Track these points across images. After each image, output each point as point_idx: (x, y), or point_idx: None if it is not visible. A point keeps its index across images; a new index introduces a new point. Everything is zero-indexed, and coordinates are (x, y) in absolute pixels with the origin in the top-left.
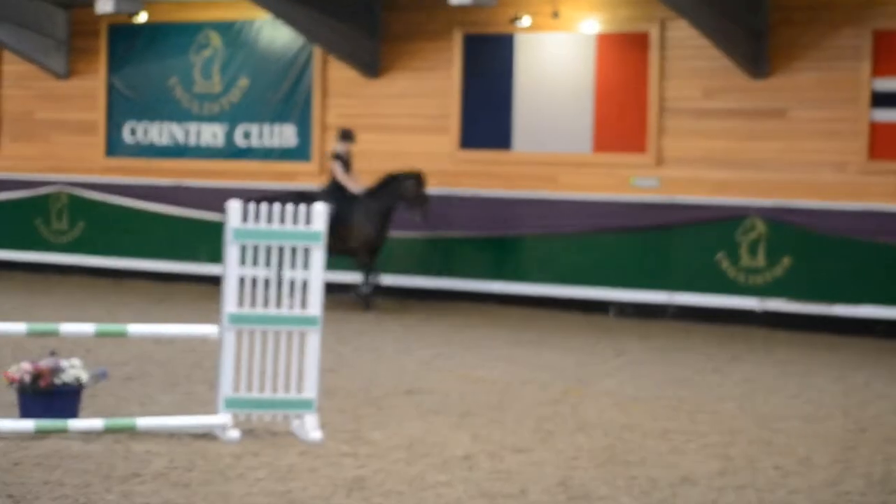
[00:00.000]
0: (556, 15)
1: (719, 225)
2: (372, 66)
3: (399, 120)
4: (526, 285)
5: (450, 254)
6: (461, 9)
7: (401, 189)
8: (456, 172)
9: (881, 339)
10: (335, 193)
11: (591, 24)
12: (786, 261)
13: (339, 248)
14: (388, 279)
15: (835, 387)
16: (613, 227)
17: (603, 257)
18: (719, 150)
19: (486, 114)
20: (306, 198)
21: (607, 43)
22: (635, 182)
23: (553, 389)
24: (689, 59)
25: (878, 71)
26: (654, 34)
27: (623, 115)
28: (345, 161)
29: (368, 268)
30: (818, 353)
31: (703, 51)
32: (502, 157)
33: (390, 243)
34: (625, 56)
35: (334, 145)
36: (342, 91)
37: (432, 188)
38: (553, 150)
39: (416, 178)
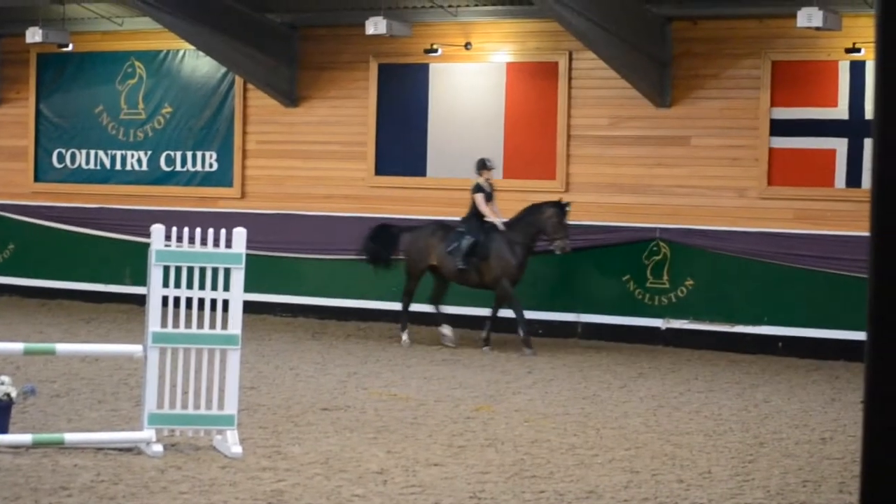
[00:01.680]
0: (468, 46)
1: (626, 248)
2: (290, 95)
3: (317, 147)
4: (441, 306)
5: (367, 276)
6: (377, 39)
7: (541, 220)
8: (371, 198)
9: (781, 357)
10: (474, 225)
11: (502, 55)
12: (689, 282)
13: (477, 282)
14: (309, 300)
15: (735, 403)
16: None
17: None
18: (625, 176)
19: (401, 141)
20: (446, 229)
21: (517, 72)
22: None
23: (465, 406)
24: (596, 88)
25: (776, 100)
26: (562, 64)
27: (532, 142)
28: (486, 192)
29: (509, 301)
30: (720, 371)
31: (609, 81)
32: (417, 183)
33: (310, 264)
34: (534, 85)
35: (476, 177)
36: (262, 119)
37: (347, 212)
38: (466, 177)
39: (558, 209)
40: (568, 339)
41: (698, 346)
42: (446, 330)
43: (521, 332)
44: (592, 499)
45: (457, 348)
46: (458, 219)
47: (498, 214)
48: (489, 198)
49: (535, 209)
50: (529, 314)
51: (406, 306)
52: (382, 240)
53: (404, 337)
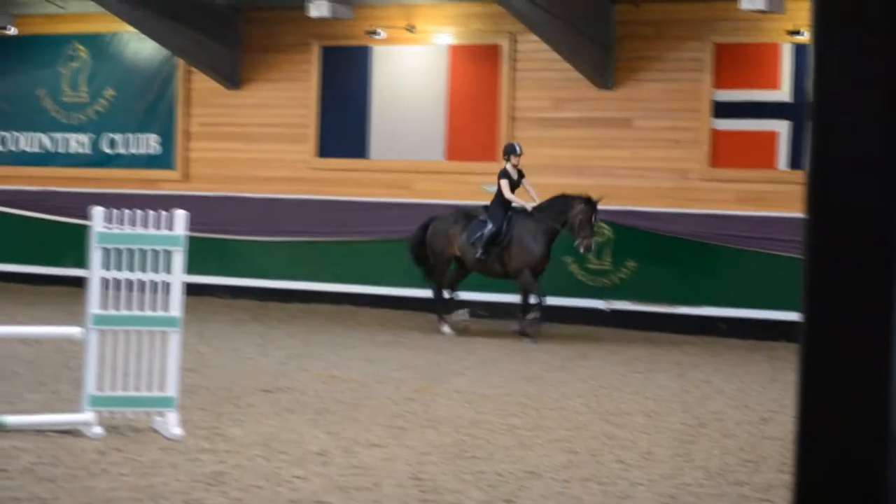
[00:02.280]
0: (411, 28)
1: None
2: (233, 78)
3: (259, 129)
4: (381, 287)
5: (308, 258)
6: (319, 22)
7: (570, 214)
8: (314, 180)
9: (722, 338)
10: (497, 212)
11: (445, 37)
12: (631, 263)
13: (499, 272)
14: (251, 282)
15: (676, 383)
16: None
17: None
18: (568, 157)
19: (344, 123)
20: (469, 217)
21: (460, 55)
22: (486, 189)
23: (406, 388)
24: (539, 70)
25: (719, 83)
26: (505, 47)
27: (475, 124)
28: (511, 178)
29: (533, 291)
30: (661, 352)
31: (552, 63)
32: (359, 165)
33: (252, 247)
34: (477, 68)
35: (504, 163)
36: (204, 101)
37: (289, 195)
38: (408, 159)
39: (587, 204)
40: (510, 320)
41: (640, 328)
42: (462, 314)
43: (529, 315)
44: (532, 479)
45: (407, 331)
46: (481, 204)
47: (534, 198)
48: (517, 184)
49: (564, 201)
50: (472, 295)
51: (439, 296)
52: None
53: (445, 328)
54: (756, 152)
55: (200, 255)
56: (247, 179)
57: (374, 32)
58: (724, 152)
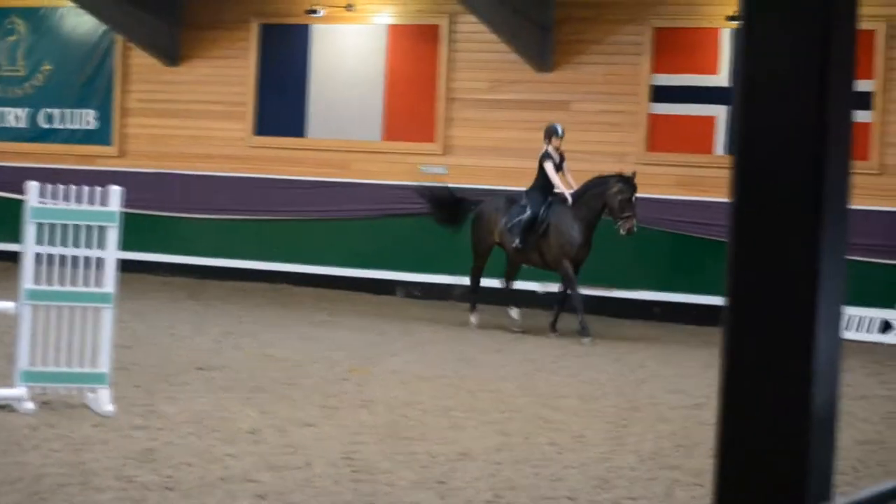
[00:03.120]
0: (350, 7)
1: None
2: (171, 54)
3: (197, 106)
4: (318, 267)
5: (245, 236)
6: None
7: (608, 195)
8: (251, 158)
9: (658, 322)
10: (537, 197)
11: (384, 17)
12: None
13: (539, 262)
14: (187, 259)
15: (612, 367)
16: (402, 212)
17: (392, 241)
18: (505, 139)
19: (282, 102)
20: (510, 202)
21: (399, 35)
22: (425, 169)
23: (341, 367)
24: (477, 52)
25: (657, 67)
26: (444, 27)
27: (413, 105)
28: (554, 161)
29: (570, 286)
30: (597, 335)
31: (490, 44)
32: (296, 144)
33: (189, 224)
34: (415, 48)
35: (544, 145)
36: (143, 77)
37: (226, 172)
38: (345, 138)
39: (626, 184)
40: (445, 301)
41: (575, 311)
42: (513, 312)
43: (577, 319)
44: (465, 461)
45: (343, 311)
46: (523, 189)
47: (571, 185)
48: (559, 168)
49: (600, 182)
50: (405, 276)
51: (474, 286)
52: (448, 206)
53: (472, 318)
54: (694, 137)
55: (137, 232)
56: (184, 157)
57: (314, 11)
58: (661, 136)
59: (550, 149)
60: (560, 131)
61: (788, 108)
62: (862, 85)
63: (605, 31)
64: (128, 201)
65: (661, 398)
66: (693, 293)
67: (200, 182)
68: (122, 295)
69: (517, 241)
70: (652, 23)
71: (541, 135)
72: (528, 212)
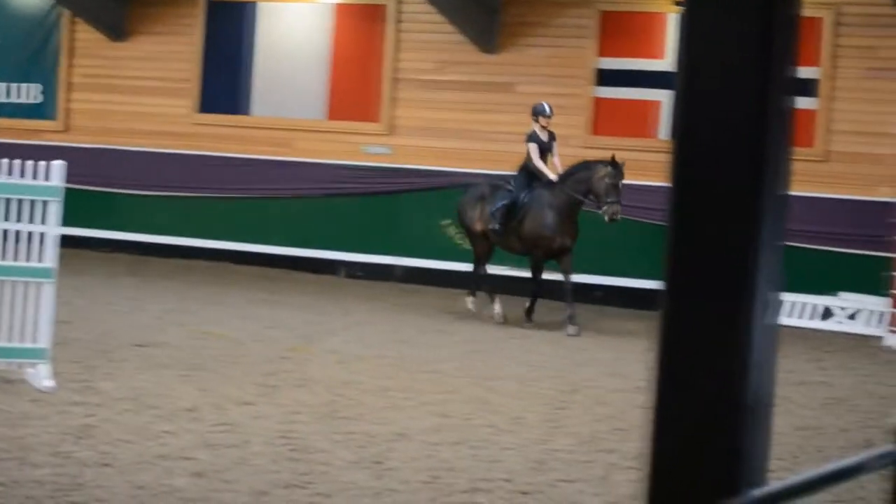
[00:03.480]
0: None
1: (447, 192)
2: (118, 29)
3: (142, 82)
4: (260, 245)
5: (188, 213)
6: None
7: (593, 180)
8: (194, 135)
9: (599, 305)
10: (521, 181)
11: None
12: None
13: (519, 248)
14: (129, 235)
15: (550, 349)
16: (345, 192)
17: (334, 220)
18: (449, 120)
19: (226, 79)
20: (496, 187)
21: (345, 14)
22: (367, 149)
23: (280, 346)
24: (423, 32)
25: (603, 50)
26: (390, 7)
27: (357, 84)
28: (541, 142)
29: (535, 270)
30: (536, 318)
31: (436, 25)
32: (240, 122)
33: (132, 200)
34: (361, 27)
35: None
36: (88, 52)
37: (170, 149)
38: (289, 116)
39: (613, 168)
40: (386, 281)
41: (517, 293)
42: (496, 306)
43: (527, 304)
44: (402, 441)
45: (284, 290)
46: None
47: (557, 168)
48: (548, 148)
49: (585, 167)
50: (347, 256)
51: (476, 270)
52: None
53: (469, 302)
54: (638, 121)
55: (79, 208)
56: (128, 132)
57: None
58: (605, 120)
59: (537, 128)
60: (547, 110)
61: (729, 95)
62: (806, 72)
63: (551, 13)
64: (71, 176)
65: (600, 381)
66: (634, 277)
67: (144, 158)
68: (62, 270)
69: (496, 225)
70: (598, 6)
71: (486, 116)
72: (510, 196)
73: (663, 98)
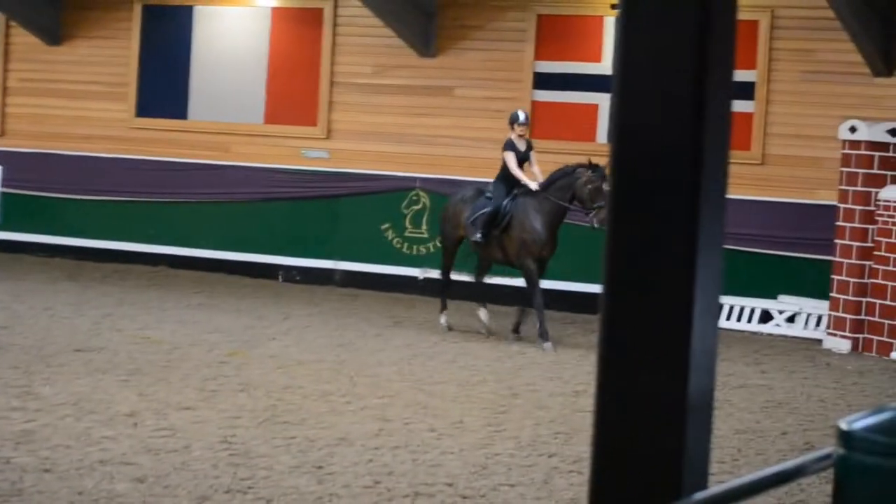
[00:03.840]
0: None
1: (386, 196)
2: (53, 33)
3: (78, 86)
4: (198, 250)
5: (126, 218)
6: None
7: (577, 185)
8: (132, 139)
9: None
10: (501, 189)
11: None
12: None
13: (501, 258)
14: (66, 240)
15: (491, 353)
16: (283, 196)
17: (273, 224)
18: (388, 124)
19: (164, 83)
20: (478, 193)
21: (282, 18)
22: (305, 153)
23: (220, 351)
24: (361, 36)
25: (541, 54)
26: (327, 11)
27: (296, 88)
28: (518, 150)
29: (533, 286)
30: (475, 322)
31: (374, 29)
32: (178, 126)
33: (69, 205)
34: (299, 31)
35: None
36: (24, 56)
37: (108, 153)
38: (227, 121)
39: (594, 171)
40: (325, 286)
41: (455, 297)
42: (482, 314)
43: (537, 323)
44: (343, 446)
45: (223, 294)
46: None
47: (536, 176)
48: (524, 157)
49: (566, 172)
50: (285, 260)
51: (444, 283)
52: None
53: (442, 319)
54: (577, 124)
55: (16, 212)
56: (65, 137)
57: None
58: (544, 123)
59: (514, 136)
60: (522, 118)
61: (666, 98)
62: (744, 75)
63: (489, 17)
64: (8, 181)
65: (540, 385)
66: (574, 281)
67: (81, 163)
68: (0, 275)
69: (478, 234)
70: (535, 10)
71: (425, 120)
72: (491, 204)
73: (601, 101)
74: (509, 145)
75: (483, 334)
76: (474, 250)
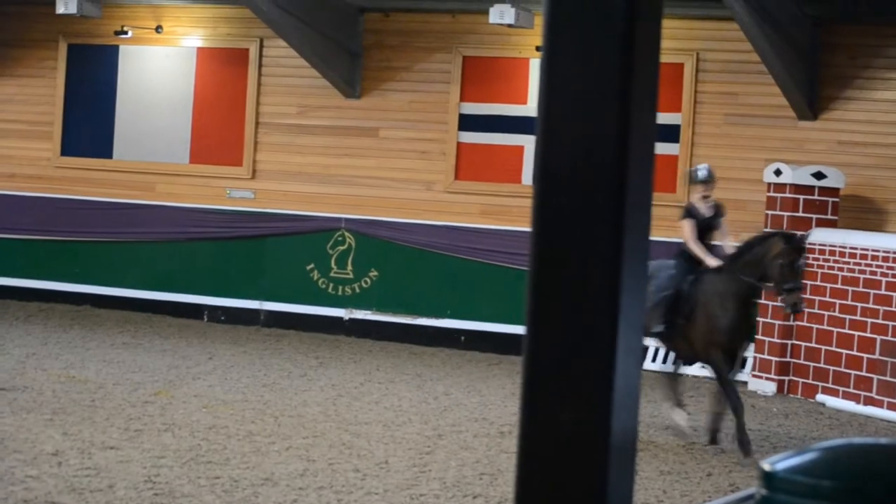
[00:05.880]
0: (159, 29)
1: (311, 237)
2: None
3: (2, 125)
4: (122, 289)
5: (49, 257)
6: (67, 18)
7: (766, 260)
8: (57, 178)
9: (462, 350)
10: (682, 266)
11: (193, 39)
12: (373, 273)
13: (688, 352)
14: None
15: (416, 394)
16: (208, 236)
17: (198, 264)
18: (313, 165)
19: (89, 122)
20: (662, 268)
21: (207, 58)
22: (231, 194)
23: (144, 390)
24: (286, 76)
25: (466, 95)
26: (253, 51)
27: (221, 128)
28: (699, 217)
29: (723, 378)
30: (401, 362)
31: (299, 69)
32: (102, 165)
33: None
34: (224, 71)
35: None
36: None
37: (31, 192)
38: (152, 160)
39: (792, 245)
40: (250, 326)
41: (381, 337)
42: (678, 417)
43: (735, 430)
44: (268, 486)
45: (147, 334)
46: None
47: (728, 249)
48: (710, 225)
49: (758, 241)
50: (210, 300)
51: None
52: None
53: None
54: (502, 166)
55: None
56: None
57: (122, 32)
58: (469, 165)
59: (696, 200)
60: (702, 174)
61: (590, 140)
62: (669, 118)
63: (414, 58)
64: None
65: (465, 426)
66: (497, 322)
67: (5, 202)
68: None
69: (657, 324)
70: (461, 51)
71: (350, 161)
72: (671, 286)
73: (527, 143)
74: (688, 212)
75: (679, 439)
76: (659, 344)
